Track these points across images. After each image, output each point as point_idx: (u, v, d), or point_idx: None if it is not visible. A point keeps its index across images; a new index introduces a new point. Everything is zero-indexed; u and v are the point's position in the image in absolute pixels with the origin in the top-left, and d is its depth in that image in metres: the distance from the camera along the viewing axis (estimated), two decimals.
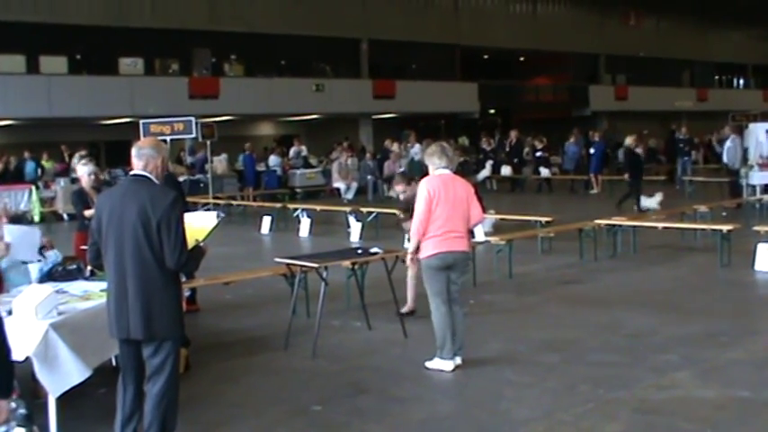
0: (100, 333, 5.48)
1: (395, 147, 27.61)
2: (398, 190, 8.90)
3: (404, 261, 7.60)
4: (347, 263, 7.98)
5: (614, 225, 12.50)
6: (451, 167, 6.89)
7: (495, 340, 7.70)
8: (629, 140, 18.82)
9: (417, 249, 6.80)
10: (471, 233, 7.37)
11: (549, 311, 8.95)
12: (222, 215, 5.66)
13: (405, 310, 8.53)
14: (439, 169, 6.83)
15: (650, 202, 18.27)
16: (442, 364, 6.77)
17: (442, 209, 6.67)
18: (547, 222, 13.33)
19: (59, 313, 5.34)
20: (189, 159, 25.77)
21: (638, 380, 6.31)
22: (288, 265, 7.91)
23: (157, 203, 4.65)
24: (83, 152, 20.71)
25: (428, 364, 6.82)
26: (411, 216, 7.05)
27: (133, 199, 4.71)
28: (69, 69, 26.34)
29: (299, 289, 7.97)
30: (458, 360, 6.81)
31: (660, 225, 12.46)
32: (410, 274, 8.56)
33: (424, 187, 6.74)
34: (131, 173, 4.89)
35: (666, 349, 7.11)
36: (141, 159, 4.82)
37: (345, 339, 7.88)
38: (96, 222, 4.83)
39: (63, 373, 5.08)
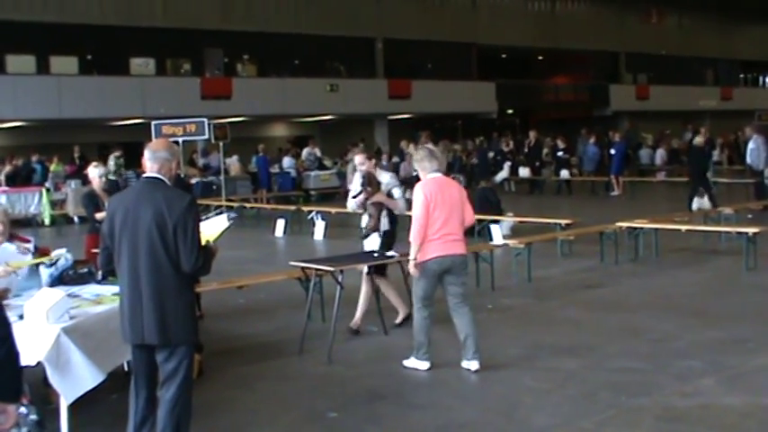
0: (113, 337, 5.51)
1: (411, 148, 27.55)
2: (357, 161, 8.48)
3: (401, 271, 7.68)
4: (363, 266, 7.98)
5: (636, 228, 12.45)
6: (442, 169, 7.03)
7: (513, 345, 7.69)
8: (698, 139, 18.66)
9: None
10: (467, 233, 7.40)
11: (568, 316, 8.93)
12: (234, 217, 5.67)
13: (400, 319, 8.38)
14: (431, 173, 6.93)
15: (702, 202, 17.84)
16: (417, 364, 6.97)
17: (439, 212, 6.77)
18: (567, 225, 13.28)
19: (71, 317, 5.37)
20: (201, 161, 25.86)
21: (661, 387, 6.28)
22: (303, 268, 7.92)
23: (174, 206, 4.68)
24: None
25: (405, 363, 7.03)
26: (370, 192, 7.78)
27: (148, 202, 4.72)
28: (80, 70, 26.58)
29: (314, 293, 7.98)
30: (475, 364, 6.85)
31: (683, 227, 12.41)
32: (384, 283, 8.27)
33: (420, 192, 6.81)
34: (145, 175, 4.91)
35: (690, 355, 7.08)
36: (156, 162, 4.84)
37: (361, 344, 7.89)
38: (108, 226, 4.84)
39: (76, 378, 5.11)
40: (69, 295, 5.76)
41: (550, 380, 6.59)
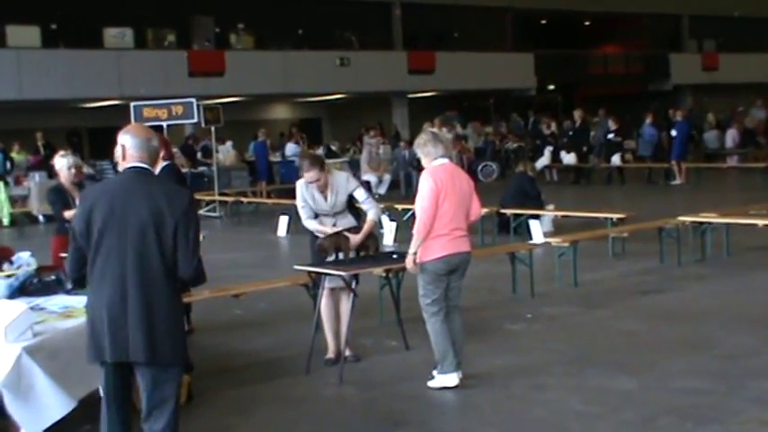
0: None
1: (444, 131, 27.59)
2: (308, 177, 7.74)
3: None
4: (380, 270, 7.93)
5: (702, 223, 12.36)
6: (448, 155, 7.12)
7: (558, 362, 7.66)
8: None
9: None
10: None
11: (622, 327, 8.88)
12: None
13: (330, 356, 7.97)
14: (437, 159, 7.00)
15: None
16: (445, 380, 6.98)
17: (449, 203, 6.86)
18: (619, 220, 13.22)
19: (35, 334, 5.37)
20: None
21: (735, 412, 6.22)
22: (310, 273, 7.91)
23: (175, 203, 4.65)
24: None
25: (431, 384, 7.01)
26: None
27: (141, 197, 4.66)
28: (43, 42, 26.53)
29: (319, 299, 7.97)
30: (459, 375, 6.96)
31: (761, 222, 12.26)
32: (346, 304, 7.84)
33: (429, 178, 6.88)
34: (131, 165, 4.79)
35: None
36: (146, 152, 4.79)
37: (378, 362, 7.88)
38: (83, 224, 4.69)
39: (40, 407, 5.10)
40: (32, 308, 5.76)
41: (602, 403, 6.54)
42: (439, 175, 6.89)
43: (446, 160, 7.05)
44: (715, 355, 7.63)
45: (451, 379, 6.96)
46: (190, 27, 29.39)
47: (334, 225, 7.81)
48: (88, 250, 4.71)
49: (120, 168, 4.87)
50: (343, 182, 7.91)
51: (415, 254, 6.92)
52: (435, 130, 7.37)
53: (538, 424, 6.28)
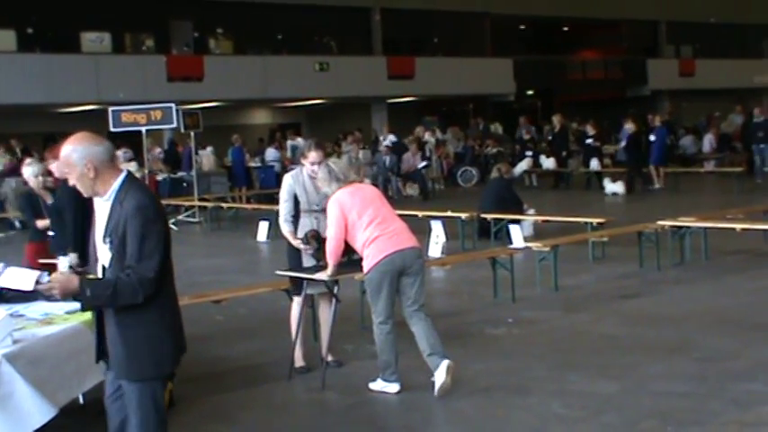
0: (67, 364, 5.49)
1: (427, 136, 27.68)
2: (312, 158, 7.67)
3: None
4: (362, 275, 7.91)
5: (681, 227, 12.44)
6: (351, 180, 7.18)
7: (539, 366, 7.68)
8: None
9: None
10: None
11: (603, 331, 8.92)
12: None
13: (299, 364, 7.90)
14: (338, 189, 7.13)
15: (616, 186, 22.03)
16: (386, 387, 7.04)
17: (368, 213, 6.96)
18: (599, 224, 13.29)
19: (14, 341, 5.31)
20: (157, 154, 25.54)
21: (716, 414, 6.27)
22: (292, 278, 7.90)
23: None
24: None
25: (371, 386, 7.10)
26: None
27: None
28: (19, 46, 26.37)
29: (306, 307, 7.96)
30: (446, 362, 6.86)
31: (738, 226, 12.37)
32: (327, 310, 7.85)
33: (333, 206, 7.02)
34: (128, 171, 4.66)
35: (750, 377, 7.06)
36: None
37: (360, 367, 7.86)
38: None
39: (21, 415, 5.02)
40: (11, 315, 5.71)
41: (584, 406, 6.57)
42: (340, 197, 7.00)
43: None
44: (695, 358, 7.67)
45: (392, 387, 7.02)
46: (168, 32, 29.31)
47: (313, 227, 7.76)
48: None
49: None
50: None
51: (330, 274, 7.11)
52: (331, 162, 7.28)
53: (521, 428, 6.30)
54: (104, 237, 4.45)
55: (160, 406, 4.60)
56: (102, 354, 4.66)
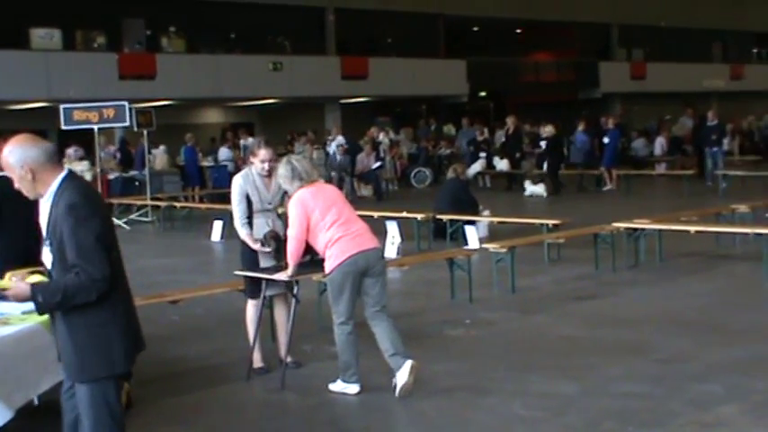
0: (23, 364, 5.40)
1: (381, 137, 27.68)
2: (262, 156, 7.64)
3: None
4: (322, 276, 7.86)
5: (636, 229, 12.56)
6: (312, 179, 7.10)
7: (499, 367, 7.70)
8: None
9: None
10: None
11: (561, 332, 8.97)
12: None
13: (289, 359, 7.80)
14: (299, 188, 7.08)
15: (537, 188, 22.93)
16: (346, 387, 7.03)
17: (331, 213, 6.94)
18: (555, 226, 13.36)
19: None
20: (109, 152, 25.28)
21: (675, 415, 6.32)
22: (248, 280, 7.83)
23: None
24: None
25: (331, 387, 7.10)
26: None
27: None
28: None
29: (263, 308, 7.91)
30: (410, 362, 6.88)
31: (692, 229, 12.52)
32: (284, 311, 7.92)
33: (292, 205, 6.99)
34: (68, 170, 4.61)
35: (707, 378, 7.13)
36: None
37: (319, 367, 7.83)
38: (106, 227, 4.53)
39: None
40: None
41: (545, 407, 6.59)
42: (302, 197, 6.95)
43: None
44: (653, 360, 7.74)
45: (352, 389, 7.00)
46: (120, 29, 28.98)
47: (268, 226, 7.70)
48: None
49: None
50: None
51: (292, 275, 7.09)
52: (294, 161, 7.25)
53: (483, 429, 6.31)
54: (46, 238, 4.46)
55: (114, 406, 4.54)
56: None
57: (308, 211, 6.89)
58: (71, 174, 4.51)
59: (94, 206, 4.45)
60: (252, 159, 7.76)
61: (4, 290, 4.67)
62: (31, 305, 4.56)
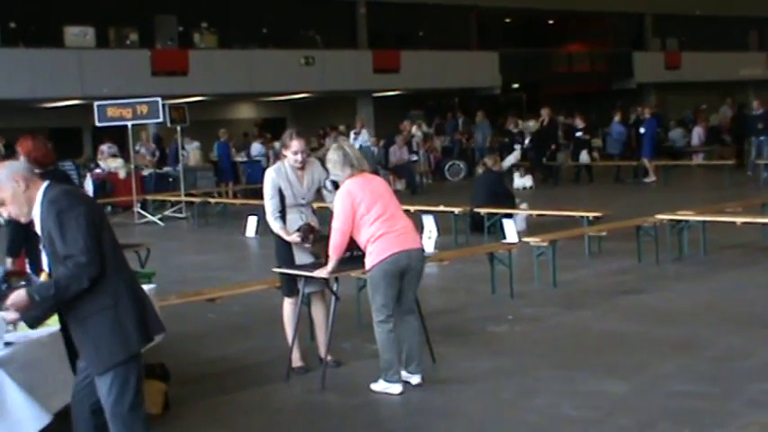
0: (60, 367, 5.24)
1: (415, 130, 27.43)
2: (294, 147, 7.39)
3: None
4: (362, 272, 7.64)
5: (680, 221, 12.24)
6: (362, 169, 6.95)
7: (544, 365, 7.46)
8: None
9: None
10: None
11: (607, 328, 8.72)
12: None
13: (329, 357, 7.58)
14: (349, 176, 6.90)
15: (525, 180, 23.10)
16: (388, 387, 6.81)
17: (377, 207, 6.75)
18: (596, 218, 13.08)
19: (6, 344, 5.08)
20: (143, 150, 25.21)
21: (735, 416, 6.05)
22: (284, 278, 7.63)
23: None
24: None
25: (373, 387, 6.88)
26: None
27: None
28: (2, 41, 26.09)
29: (301, 305, 7.71)
30: (417, 378, 6.87)
31: (738, 220, 12.19)
32: (322, 309, 7.72)
33: (340, 196, 6.80)
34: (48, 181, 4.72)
35: (766, 377, 6.84)
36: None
37: (360, 366, 7.62)
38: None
39: (13, 423, 4.81)
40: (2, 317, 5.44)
41: (596, 407, 6.35)
42: (350, 187, 6.78)
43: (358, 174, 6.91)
44: (706, 357, 7.46)
45: (395, 388, 6.79)
46: (153, 26, 28.98)
47: (301, 223, 7.49)
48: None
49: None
50: (318, 167, 7.65)
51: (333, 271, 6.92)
52: (344, 144, 7.07)
53: (531, 429, 6.07)
54: (43, 247, 4.74)
55: (133, 389, 4.63)
56: (75, 362, 4.82)
57: (354, 204, 6.70)
58: (50, 183, 4.65)
59: (76, 198, 4.60)
60: (284, 152, 7.52)
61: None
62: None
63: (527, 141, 25.33)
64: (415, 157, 25.41)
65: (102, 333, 4.53)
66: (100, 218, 4.61)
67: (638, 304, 9.71)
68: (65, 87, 25.84)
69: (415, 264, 6.86)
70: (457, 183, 26.89)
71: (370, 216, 6.69)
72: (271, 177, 7.44)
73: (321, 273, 6.98)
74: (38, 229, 4.59)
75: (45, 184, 4.60)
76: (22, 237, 7.79)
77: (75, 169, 21.91)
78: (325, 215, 7.65)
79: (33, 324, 4.66)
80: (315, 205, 7.72)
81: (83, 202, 4.60)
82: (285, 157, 7.48)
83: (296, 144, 7.37)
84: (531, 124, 25.40)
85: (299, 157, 7.36)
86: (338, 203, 6.77)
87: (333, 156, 6.93)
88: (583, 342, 8.22)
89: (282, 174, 7.42)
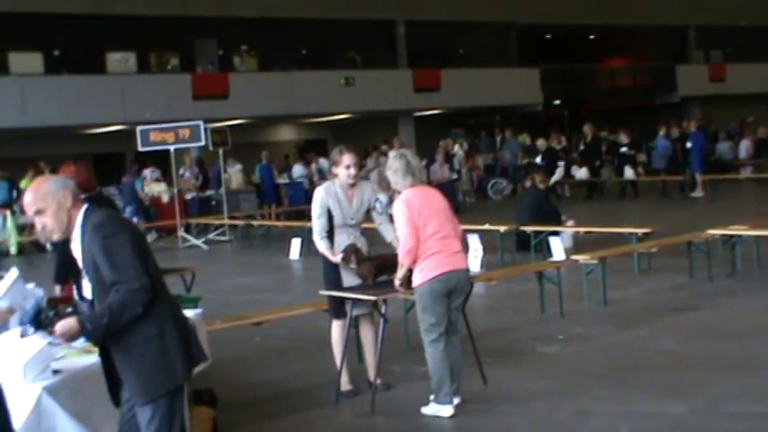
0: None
1: (456, 148, 27.32)
2: (347, 161, 7.33)
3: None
4: (408, 293, 7.51)
5: (733, 236, 11.99)
6: (420, 180, 6.92)
7: (598, 386, 7.29)
8: None
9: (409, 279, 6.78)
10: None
11: (662, 347, 8.52)
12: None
13: (346, 388, 7.48)
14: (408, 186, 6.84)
15: None
16: (440, 410, 6.68)
17: (434, 222, 6.67)
18: (645, 235, 12.86)
19: (54, 372, 5.03)
20: (188, 174, 25.32)
21: None
22: (332, 300, 7.52)
23: None
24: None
25: (424, 411, 6.77)
26: None
27: None
28: (46, 68, 26.29)
29: (349, 328, 7.61)
30: (457, 400, 6.74)
31: None
32: (370, 331, 7.61)
33: (401, 204, 6.69)
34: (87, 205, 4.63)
35: None
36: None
37: (409, 389, 7.50)
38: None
39: None
40: (51, 343, 5.39)
41: (655, 429, 6.19)
42: (410, 199, 6.70)
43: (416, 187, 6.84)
44: (767, 376, 7.25)
45: (446, 410, 6.66)
46: (193, 50, 29.16)
47: (349, 242, 7.38)
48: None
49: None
50: (367, 187, 7.59)
51: (404, 279, 6.81)
52: (407, 153, 6.98)
53: None
54: (85, 273, 4.51)
55: (179, 421, 4.51)
56: (116, 393, 4.69)
57: (414, 215, 6.61)
58: (90, 207, 4.55)
59: (120, 223, 4.52)
60: (335, 170, 7.42)
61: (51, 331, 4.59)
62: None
63: (538, 159, 25.11)
64: (455, 176, 25.26)
65: (147, 364, 4.43)
66: (142, 239, 4.54)
67: (693, 322, 9.51)
68: (107, 113, 26.00)
69: (462, 285, 6.80)
70: (500, 201, 26.72)
71: (425, 232, 6.61)
72: (320, 196, 7.35)
73: (395, 281, 6.89)
74: (77, 253, 4.50)
75: (85, 206, 4.52)
76: (68, 263, 7.79)
77: (118, 193, 22.09)
78: (373, 236, 7.57)
79: (97, 341, 4.60)
80: (363, 226, 7.61)
81: (127, 226, 4.53)
82: (335, 175, 7.38)
83: (348, 158, 7.29)
84: (541, 143, 25.37)
85: (351, 171, 7.27)
86: (399, 212, 6.68)
87: (395, 164, 6.85)
88: (637, 361, 8.03)
89: (332, 193, 7.33)
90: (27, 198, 4.50)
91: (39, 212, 4.46)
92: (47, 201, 4.45)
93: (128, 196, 21.78)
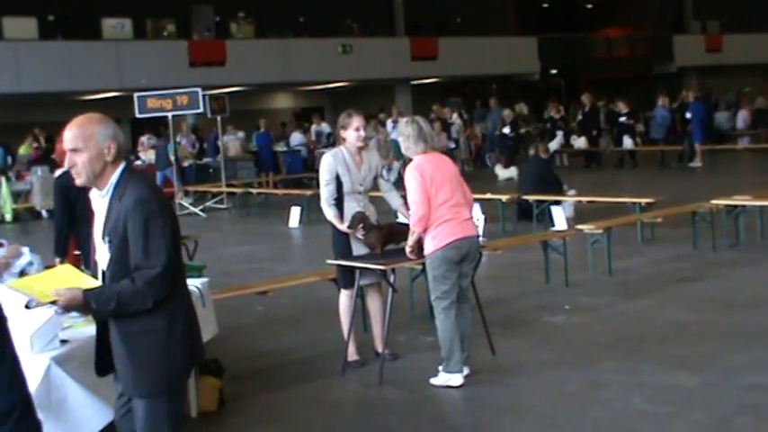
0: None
1: (454, 117, 27.12)
2: (357, 123, 7.25)
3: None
4: (419, 261, 7.37)
5: (737, 206, 11.89)
6: (432, 147, 6.84)
7: (608, 357, 7.20)
8: None
9: (420, 245, 6.70)
10: None
11: (669, 317, 8.43)
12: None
13: (382, 349, 7.36)
14: (419, 155, 6.74)
15: (508, 172, 22.68)
16: (450, 379, 6.60)
17: (446, 189, 6.59)
18: (648, 204, 12.75)
19: (63, 342, 4.93)
20: (185, 140, 25.10)
21: None
22: (341, 268, 7.40)
23: None
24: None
25: (433, 381, 6.67)
26: None
27: None
28: (40, 34, 26.04)
29: (357, 298, 7.50)
30: (466, 370, 6.65)
31: None
32: (378, 301, 7.47)
33: (413, 172, 6.59)
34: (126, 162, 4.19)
35: None
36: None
37: (417, 359, 7.41)
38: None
39: (76, 421, 4.67)
40: (57, 312, 5.26)
41: (668, 401, 6.08)
42: (422, 166, 6.60)
43: (427, 153, 6.74)
44: None
45: (456, 379, 6.58)
46: (190, 16, 28.91)
47: (359, 209, 7.25)
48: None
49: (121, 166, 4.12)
50: (375, 153, 7.48)
51: (412, 247, 6.74)
52: (420, 119, 6.85)
53: (602, 426, 5.83)
54: (103, 235, 4.03)
55: (172, 422, 4.13)
56: (104, 366, 4.25)
57: (426, 182, 6.51)
58: (129, 166, 4.12)
59: (165, 203, 4.10)
60: (343, 134, 7.25)
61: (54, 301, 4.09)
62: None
63: (506, 129, 25.01)
64: (452, 145, 25.09)
65: (148, 357, 4.03)
66: (177, 225, 4.11)
67: (699, 292, 9.42)
68: (103, 79, 25.80)
69: (474, 252, 6.72)
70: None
71: (437, 199, 6.52)
72: (328, 162, 7.20)
73: (406, 248, 6.80)
74: (100, 213, 4.09)
75: (121, 167, 4.06)
76: (66, 233, 7.64)
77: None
78: (380, 204, 7.46)
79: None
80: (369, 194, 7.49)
81: (169, 207, 4.14)
82: (344, 140, 7.24)
83: (357, 120, 7.18)
84: (507, 113, 25.55)
85: (361, 133, 7.16)
86: (411, 179, 6.57)
87: (407, 129, 6.72)
88: (645, 332, 7.93)
89: (340, 159, 7.18)
90: (69, 132, 4.07)
91: (75, 150, 4.03)
92: (89, 144, 4.03)
93: (163, 161, 21.47)
